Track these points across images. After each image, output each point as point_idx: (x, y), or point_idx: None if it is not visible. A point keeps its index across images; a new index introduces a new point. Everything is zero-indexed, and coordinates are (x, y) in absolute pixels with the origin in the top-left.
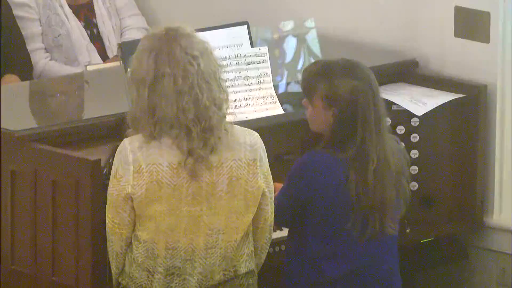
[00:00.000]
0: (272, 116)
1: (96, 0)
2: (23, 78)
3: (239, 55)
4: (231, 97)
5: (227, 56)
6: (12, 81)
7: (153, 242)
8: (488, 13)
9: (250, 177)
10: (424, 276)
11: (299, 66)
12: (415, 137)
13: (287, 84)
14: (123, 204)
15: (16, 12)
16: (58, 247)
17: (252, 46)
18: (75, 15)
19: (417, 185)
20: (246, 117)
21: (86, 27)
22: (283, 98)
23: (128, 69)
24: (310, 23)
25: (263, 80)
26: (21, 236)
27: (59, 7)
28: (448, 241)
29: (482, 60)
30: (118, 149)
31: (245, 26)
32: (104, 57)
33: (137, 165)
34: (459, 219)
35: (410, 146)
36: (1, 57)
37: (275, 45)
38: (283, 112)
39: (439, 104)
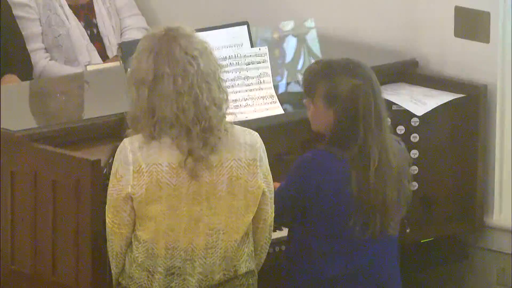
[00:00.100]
0: (272, 116)
1: (96, 0)
2: (23, 78)
3: (239, 55)
4: (231, 97)
5: (227, 56)
6: (12, 81)
7: (153, 242)
8: (488, 13)
9: (250, 177)
10: (424, 276)
11: (299, 66)
12: (415, 137)
13: (287, 84)
14: (123, 204)
15: (16, 12)
16: (58, 247)
17: (252, 46)
18: (75, 15)
19: (417, 185)
20: (246, 117)
21: (86, 27)
22: (283, 98)
23: (128, 69)
24: (310, 23)
25: (263, 80)
26: (21, 236)
27: (59, 7)
28: (448, 241)
29: (482, 60)
30: (118, 149)
31: (245, 26)
32: (104, 57)
33: (137, 165)
34: (459, 219)
35: (410, 146)
36: (1, 57)
37: (275, 45)
38: (283, 112)
39: (439, 104)
